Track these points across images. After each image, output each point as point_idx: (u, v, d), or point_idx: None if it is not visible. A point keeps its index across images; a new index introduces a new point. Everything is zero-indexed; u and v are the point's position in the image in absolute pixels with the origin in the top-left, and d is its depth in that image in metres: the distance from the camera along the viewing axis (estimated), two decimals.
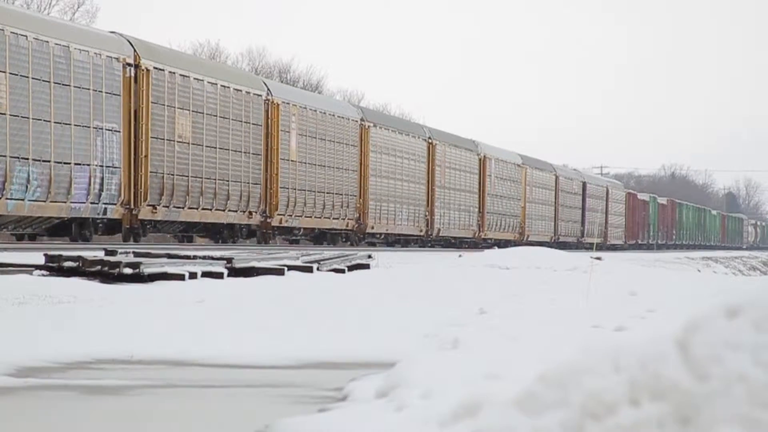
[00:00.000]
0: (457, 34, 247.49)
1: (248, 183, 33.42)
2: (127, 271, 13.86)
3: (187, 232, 32.73)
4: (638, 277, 21.95)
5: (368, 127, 41.15)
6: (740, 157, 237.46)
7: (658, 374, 3.36)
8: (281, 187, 35.07)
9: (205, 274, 14.81)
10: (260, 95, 34.43)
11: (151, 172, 28.88)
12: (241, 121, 33.22)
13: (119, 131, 27.86)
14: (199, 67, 32.44)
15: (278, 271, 16.33)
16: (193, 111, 30.76)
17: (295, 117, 36.13)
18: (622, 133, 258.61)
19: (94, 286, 13.07)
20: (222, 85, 32.28)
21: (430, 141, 46.78)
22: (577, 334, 8.74)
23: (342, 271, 18.51)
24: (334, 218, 38.58)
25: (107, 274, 13.94)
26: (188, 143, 30.53)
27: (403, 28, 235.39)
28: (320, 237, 38.82)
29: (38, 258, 14.83)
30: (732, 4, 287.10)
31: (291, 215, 35.63)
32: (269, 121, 34.78)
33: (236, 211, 32.90)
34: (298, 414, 5.29)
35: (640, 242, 79.62)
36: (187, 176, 30.41)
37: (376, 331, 9.93)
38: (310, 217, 36.87)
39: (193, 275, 14.45)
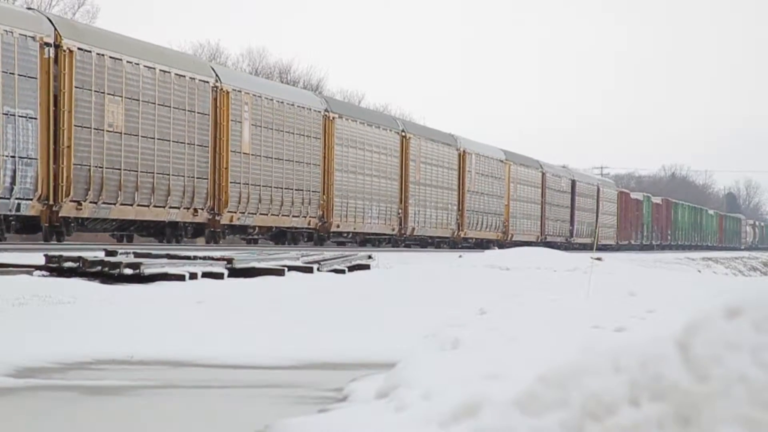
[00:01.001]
0: (457, 34, 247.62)
1: (193, 177, 30.50)
2: (128, 271, 13.87)
3: (123, 230, 29.89)
4: (638, 277, 21.95)
5: (333, 118, 38.29)
6: (740, 158, 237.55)
7: (659, 375, 3.36)
8: (232, 182, 32.30)
9: (206, 275, 14.82)
10: (207, 82, 31.35)
11: (75, 164, 26.00)
12: (184, 110, 30.15)
13: (35, 118, 24.91)
14: (133, 49, 28.84)
15: (278, 272, 16.34)
16: (126, 98, 27.78)
17: (248, 106, 33.26)
18: (622, 133, 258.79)
19: (95, 286, 13.07)
20: (162, 70, 29.21)
21: (403, 134, 44.21)
22: (577, 334, 8.74)
23: (342, 271, 18.51)
24: (294, 216, 35.84)
25: (107, 274, 13.95)
26: (120, 133, 27.59)
27: (403, 28, 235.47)
28: (280, 236, 36.31)
29: (38, 258, 14.84)
30: (732, 4, 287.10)
31: (244, 212, 32.94)
32: (218, 110, 31.85)
33: (179, 208, 29.91)
34: (299, 414, 5.29)
35: (633, 243, 77.56)
36: (120, 169, 27.50)
37: (376, 331, 9.94)
38: (266, 214, 34.15)
39: (193, 275, 14.46)
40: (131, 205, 28.12)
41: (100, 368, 7.55)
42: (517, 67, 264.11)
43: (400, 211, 43.60)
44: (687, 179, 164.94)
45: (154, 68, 28.97)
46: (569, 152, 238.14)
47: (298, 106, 36.38)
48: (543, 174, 60.99)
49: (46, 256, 14.68)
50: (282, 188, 35.12)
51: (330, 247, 36.86)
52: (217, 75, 32.37)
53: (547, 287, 16.59)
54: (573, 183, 66.47)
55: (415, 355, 6.92)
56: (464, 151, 50.07)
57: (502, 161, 55.09)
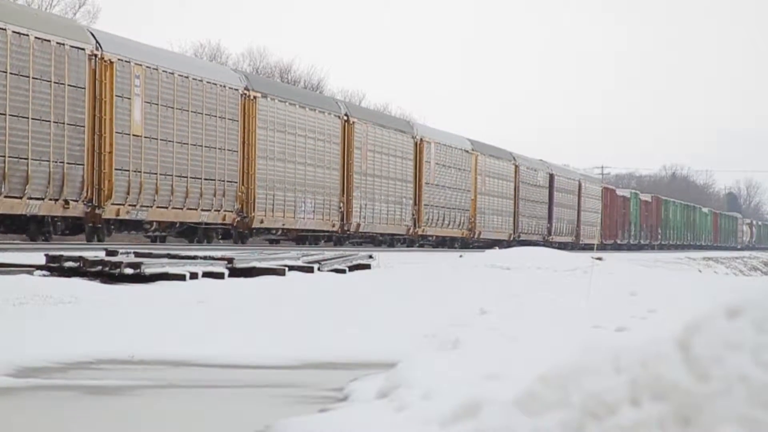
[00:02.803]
0: (457, 34, 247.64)
1: (62, 162, 25.41)
2: (128, 271, 13.88)
3: None
4: (639, 277, 21.96)
5: (255, 97, 33.24)
6: (741, 158, 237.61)
7: (659, 374, 3.36)
8: (118, 169, 27.26)
9: (206, 275, 14.83)
10: (82, 49, 26.09)
11: None
12: (49, 82, 25.02)
13: None
14: None
15: (279, 272, 16.35)
16: None
17: (140, 80, 28.15)
18: (622, 133, 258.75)
19: (95, 286, 13.07)
20: (14, 32, 24.03)
21: (346, 118, 38.87)
22: (577, 334, 8.75)
23: (343, 271, 18.53)
24: (204, 210, 30.71)
25: (108, 274, 13.95)
26: None
27: (403, 29, 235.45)
28: (188, 233, 31.57)
29: (39, 258, 14.84)
30: (732, 4, 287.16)
31: (135, 205, 27.92)
32: (98, 83, 26.67)
33: (43, 200, 24.97)
34: (299, 414, 5.29)
35: (619, 242, 73.37)
36: None
37: (376, 331, 9.94)
38: (166, 207, 29.13)
39: (193, 275, 14.47)
40: None
41: (101, 368, 7.56)
42: (517, 68, 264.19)
43: (341, 204, 38.55)
44: (688, 179, 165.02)
45: (4, 29, 23.81)
46: (569, 152, 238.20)
47: (209, 82, 31.14)
48: (516, 167, 56.28)
49: (46, 255, 14.69)
50: (187, 177, 30.01)
51: (254, 245, 33.05)
52: (97, 41, 26.98)
53: (548, 287, 16.60)
54: (551, 177, 61.86)
55: (415, 355, 6.92)
56: (422, 139, 45.34)
57: (467, 151, 50.24)
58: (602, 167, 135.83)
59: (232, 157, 32.18)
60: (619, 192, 78.43)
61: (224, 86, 31.92)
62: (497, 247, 35.58)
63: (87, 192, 26.38)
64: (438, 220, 46.67)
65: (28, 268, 14.19)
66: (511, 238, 54.11)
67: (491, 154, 53.38)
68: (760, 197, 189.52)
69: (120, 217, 27.70)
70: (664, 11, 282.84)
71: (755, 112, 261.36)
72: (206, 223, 31.45)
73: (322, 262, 18.38)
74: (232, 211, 32.15)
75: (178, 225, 30.56)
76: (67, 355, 7.91)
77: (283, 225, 35.00)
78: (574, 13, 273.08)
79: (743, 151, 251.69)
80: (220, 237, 32.90)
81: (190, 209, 30.18)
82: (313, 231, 37.40)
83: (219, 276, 15.02)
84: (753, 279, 38.31)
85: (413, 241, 44.79)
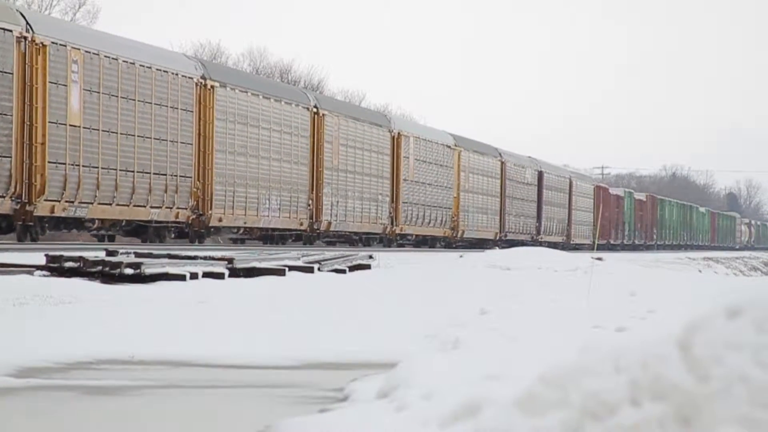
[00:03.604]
0: (457, 34, 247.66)
1: None
2: (128, 271, 13.88)
3: None
4: (639, 277, 21.98)
5: (212, 87, 30.83)
6: (741, 158, 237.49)
7: (659, 375, 3.36)
8: (51, 162, 24.99)
9: (206, 275, 14.83)
10: (9, 30, 23.89)
11: None
12: None
13: None
14: None
15: (279, 272, 16.36)
16: None
17: (78, 65, 25.92)
18: (622, 133, 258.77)
19: (95, 286, 13.08)
20: None
21: (316, 110, 36.49)
22: (577, 334, 8.75)
23: (343, 271, 18.53)
24: (154, 206, 28.28)
25: (108, 274, 13.95)
26: None
27: (403, 29, 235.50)
28: (138, 231, 29.08)
29: (39, 258, 14.84)
30: (732, 4, 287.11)
31: (73, 201, 25.60)
32: (29, 68, 24.47)
33: None
34: (299, 414, 5.29)
35: (612, 242, 70.51)
36: None
37: (376, 331, 9.94)
38: (110, 204, 26.88)
39: (194, 275, 14.47)
40: None
41: (101, 368, 7.55)
42: (517, 68, 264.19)
43: (310, 202, 36.19)
44: (688, 179, 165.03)
45: None
46: (569, 152, 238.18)
47: (159, 70, 28.60)
48: (503, 163, 53.78)
49: (46, 256, 14.69)
50: (134, 171, 27.65)
51: (213, 245, 31.06)
52: (27, 23, 24.79)
53: (548, 287, 16.60)
54: (540, 174, 59.27)
55: (415, 355, 6.92)
56: (399, 134, 42.78)
57: (450, 147, 47.64)
58: (602, 167, 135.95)
59: (186, 151, 29.66)
60: (613, 190, 76.13)
61: (177, 74, 29.27)
62: (497, 247, 35.55)
63: (15, 187, 24.16)
64: (418, 218, 44.38)
65: (28, 268, 14.20)
66: (497, 238, 52.21)
67: (475, 149, 50.96)
68: (760, 197, 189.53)
69: (56, 215, 25.48)
70: (664, 12, 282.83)
71: (755, 112, 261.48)
72: (156, 221, 28.89)
73: (322, 263, 18.39)
74: (186, 209, 29.72)
75: (124, 223, 28.23)
76: (67, 355, 7.91)
77: (245, 223, 32.75)
78: (574, 13, 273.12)
79: (743, 151, 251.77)
80: (173, 236, 30.40)
81: (138, 206, 27.79)
82: (279, 230, 35.12)
83: (219, 276, 15.03)
84: (753, 279, 38.32)
85: (391, 240, 42.28)
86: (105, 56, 26.78)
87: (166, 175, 28.73)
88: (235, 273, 15.67)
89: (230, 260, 15.86)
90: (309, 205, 36.07)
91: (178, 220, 29.56)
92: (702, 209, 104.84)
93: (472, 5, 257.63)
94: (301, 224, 35.74)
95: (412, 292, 14.92)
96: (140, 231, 29.05)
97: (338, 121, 38.09)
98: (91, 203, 26.28)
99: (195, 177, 30.05)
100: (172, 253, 16.89)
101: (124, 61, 27.37)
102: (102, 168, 26.56)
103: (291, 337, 9.41)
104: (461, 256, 27.21)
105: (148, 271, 13.91)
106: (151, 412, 5.88)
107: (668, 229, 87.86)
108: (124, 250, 16.46)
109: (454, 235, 48.05)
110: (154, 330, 9.57)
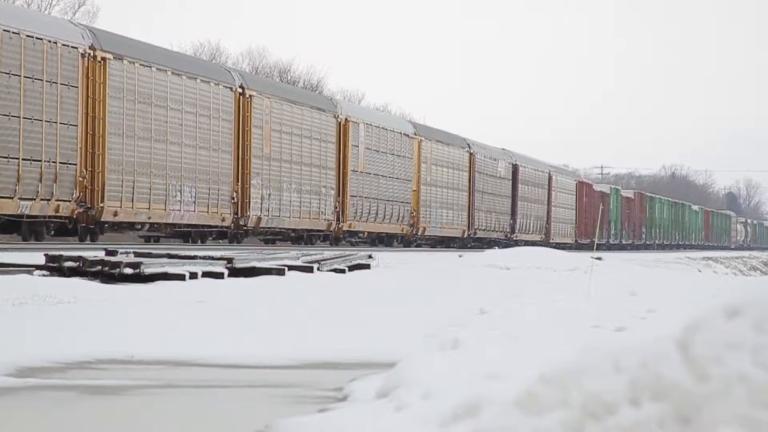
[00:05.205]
0: (457, 34, 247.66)
1: None
2: (128, 271, 13.89)
3: None
4: (638, 277, 22.00)
5: (104, 59, 26.26)
6: (740, 158, 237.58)
7: (659, 374, 3.36)
8: None
9: (206, 274, 14.84)
10: None
11: None
12: None
13: None
14: None
15: (279, 271, 16.37)
16: None
17: None
18: (622, 133, 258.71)
19: (95, 286, 13.08)
20: None
21: (241, 90, 32.09)
22: (577, 334, 8.75)
23: (342, 271, 18.54)
24: (25, 198, 23.76)
25: (108, 274, 13.97)
26: None
27: (403, 29, 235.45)
28: (8, 227, 24.47)
29: (39, 258, 14.85)
30: (732, 4, 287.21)
31: None
32: None
33: None
34: (299, 414, 5.29)
35: (597, 242, 68.03)
36: None
37: (376, 331, 9.95)
38: None
39: (193, 275, 14.48)
40: None
41: (101, 368, 7.55)
42: (517, 68, 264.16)
43: (235, 194, 31.79)
44: (687, 179, 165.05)
45: None
46: (569, 152, 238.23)
47: (29, 36, 23.89)
48: (471, 155, 49.53)
49: (46, 255, 14.70)
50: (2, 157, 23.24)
51: (107, 242, 25.82)
52: None
53: (548, 287, 16.61)
54: (515, 168, 55.29)
55: (415, 354, 6.92)
56: (347, 119, 38.43)
57: (408, 135, 43.41)
58: (602, 167, 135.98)
59: (69, 133, 24.97)
60: (597, 187, 71.89)
61: (55, 42, 24.53)
62: (497, 247, 35.57)
63: None
64: (369, 213, 39.85)
65: (28, 268, 14.20)
66: (466, 235, 48.95)
67: (439, 139, 46.65)
68: (759, 197, 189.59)
69: None
70: (664, 11, 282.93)
71: (755, 112, 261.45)
72: (29, 216, 24.22)
73: (322, 262, 18.40)
74: (69, 201, 25.02)
75: None
76: (66, 355, 7.91)
77: (149, 218, 28.14)
78: (575, 14, 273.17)
79: (743, 151, 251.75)
80: (52, 233, 25.76)
81: (3, 198, 23.23)
82: (196, 226, 30.76)
83: (219, 276, 15.03)
84: (753, 279, 38.33)
85: (337, 238, 38.35)
86: None
87: (41, 161, 24.14)
88: (234, 273, 15.67)
89: (230, 260, 15.86)
90: (233, 199, 31.69)
91: (59, 214, 24.96)
92: (695, 207, 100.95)
93: (472, 5, 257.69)
94: (224, 220, 31.33)
95: (411, 292, 14.92)
96: (10, 227, 24.54)
97: (270, 103, 33.56)
98: None
99: (81, 164, 25.47)
100: (172, 252, 16.90)
101: None
102: None
103: (291, 336, 9.41)
104: (461, 256, 27.24)
105: (147, 270, 13.92)
106: (150, 411, 5.88)
107: (659, 228, 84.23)
108: (123, 250, 16.47)
109: (414, 232, 44.24)
110: (153, 330, 9.57)
